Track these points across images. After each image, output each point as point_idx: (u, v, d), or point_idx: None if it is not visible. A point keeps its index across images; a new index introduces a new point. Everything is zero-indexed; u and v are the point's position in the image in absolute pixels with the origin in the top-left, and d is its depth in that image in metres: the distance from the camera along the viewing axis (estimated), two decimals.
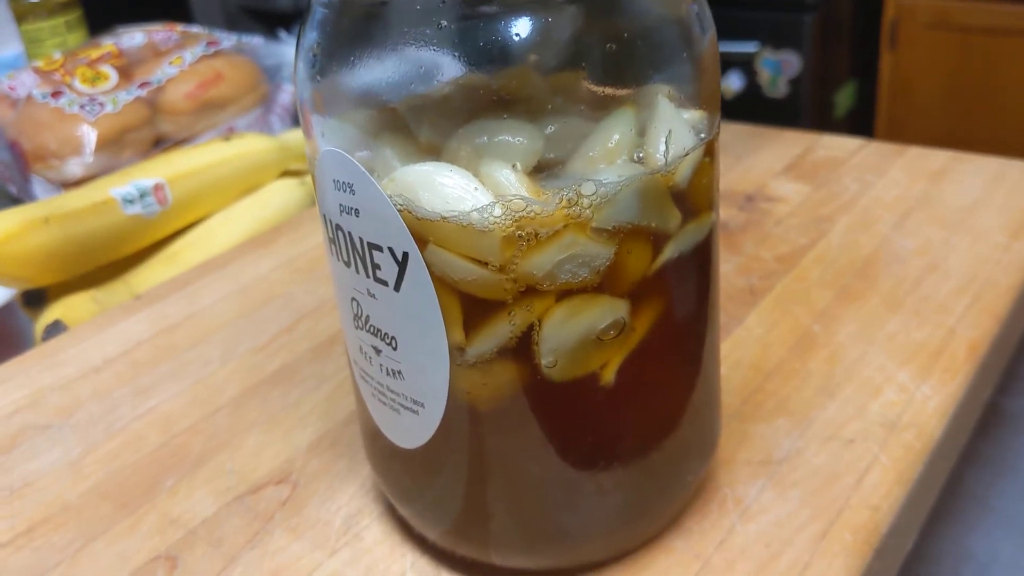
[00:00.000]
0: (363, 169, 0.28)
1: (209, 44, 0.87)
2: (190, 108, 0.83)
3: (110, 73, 0.84)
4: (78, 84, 0.82)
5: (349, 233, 0.30)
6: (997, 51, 1.56)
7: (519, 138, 0.28)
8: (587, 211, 0.27)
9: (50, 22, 1.02)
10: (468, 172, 0.27)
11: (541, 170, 0.28)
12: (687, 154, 0.29)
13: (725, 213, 0.58)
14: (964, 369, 0.42)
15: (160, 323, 0.53)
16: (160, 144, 0.82)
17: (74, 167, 0.77)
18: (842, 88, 1.85)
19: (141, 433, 0.44)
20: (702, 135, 0.31)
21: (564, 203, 0.27)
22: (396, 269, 0.29)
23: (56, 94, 0.80)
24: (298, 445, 0.42)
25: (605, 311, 0.29)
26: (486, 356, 0.29)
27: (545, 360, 0.29)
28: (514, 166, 0.27)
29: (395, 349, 0.31)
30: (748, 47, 1.98)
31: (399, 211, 0.28)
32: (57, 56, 0.83)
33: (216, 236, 0.70)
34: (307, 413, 0.44)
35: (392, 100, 0.29)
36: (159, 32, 0.89)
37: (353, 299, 0.31)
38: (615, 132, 0.29)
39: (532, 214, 0.27)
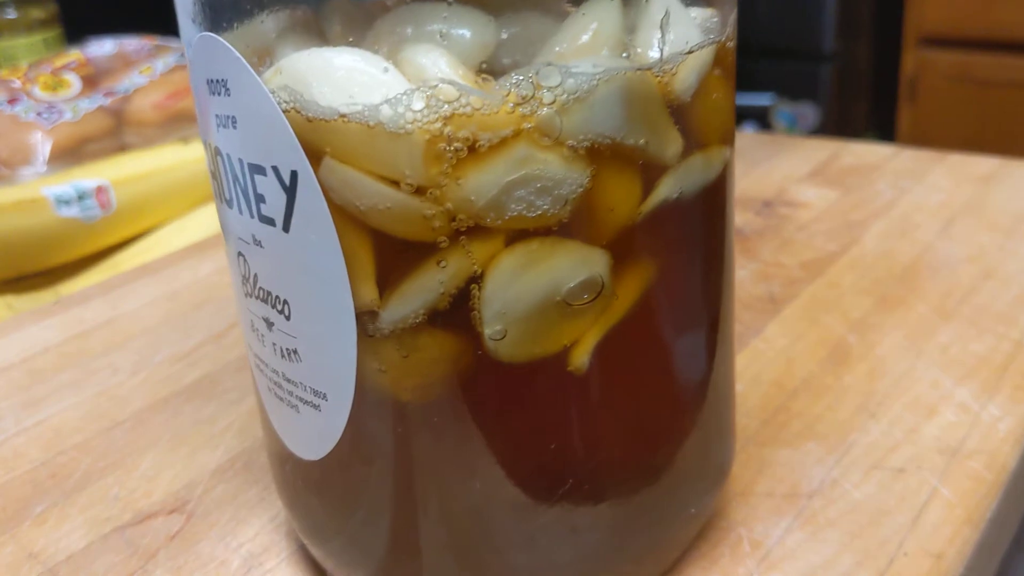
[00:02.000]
0: (238, 55, 0.20)
1: (183, 55, 0.80)
2: (158, 119, 0.77)
3: (73, 81, 0.77)
4: (37, 91, 0.75)
5: (228, 156, 0.22)
6: (1017, 105, 1.52)
7: (461, 30, 0.20)
8: (549, 112, 0.19)
9: (27, 39, 0.96)
10: (379, 57, 0.20)
11: (493, 76, 0.20)
12: (691, 51, 0.22)
13: (739, 218, 0.50)
14: None
15: (74, 328, 0.45)
16: None
17: (26, 177, 0.70)
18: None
19: (20, 450, 0.36)
20: (712, 36, 0.23)
21: (514, 98, 0.19)
22: (284, 198, 0.21)
23: (12, 101, 0.73)
24: (203, 468, 0.33)
25: (575, 264, 0.21)
26: (408, 322, 0.21)
27: (490, 330, 0.21)
28: (440, 35, 0.19)
29: (288, 318, 0.22)
30: (763, 99, 1.93)
31: (284, 112, 0.20)
32: (23, 65, 0.77)
33: (167, 248, 0.62)
34: (221, 431, 0.36)
35: (300, 3, 0.21)
36: (131, 42, 0.83)
37: (239, 253, 0.23)
38: (594, 20, 0.21)
39: (469, 109, 0.19)
